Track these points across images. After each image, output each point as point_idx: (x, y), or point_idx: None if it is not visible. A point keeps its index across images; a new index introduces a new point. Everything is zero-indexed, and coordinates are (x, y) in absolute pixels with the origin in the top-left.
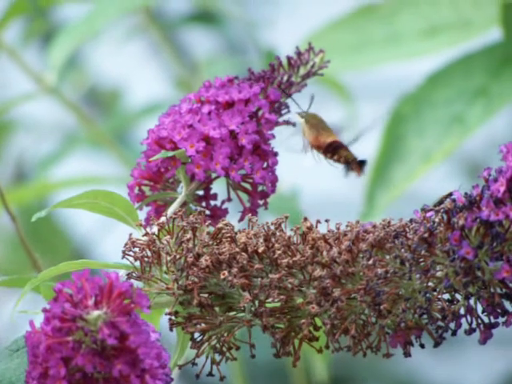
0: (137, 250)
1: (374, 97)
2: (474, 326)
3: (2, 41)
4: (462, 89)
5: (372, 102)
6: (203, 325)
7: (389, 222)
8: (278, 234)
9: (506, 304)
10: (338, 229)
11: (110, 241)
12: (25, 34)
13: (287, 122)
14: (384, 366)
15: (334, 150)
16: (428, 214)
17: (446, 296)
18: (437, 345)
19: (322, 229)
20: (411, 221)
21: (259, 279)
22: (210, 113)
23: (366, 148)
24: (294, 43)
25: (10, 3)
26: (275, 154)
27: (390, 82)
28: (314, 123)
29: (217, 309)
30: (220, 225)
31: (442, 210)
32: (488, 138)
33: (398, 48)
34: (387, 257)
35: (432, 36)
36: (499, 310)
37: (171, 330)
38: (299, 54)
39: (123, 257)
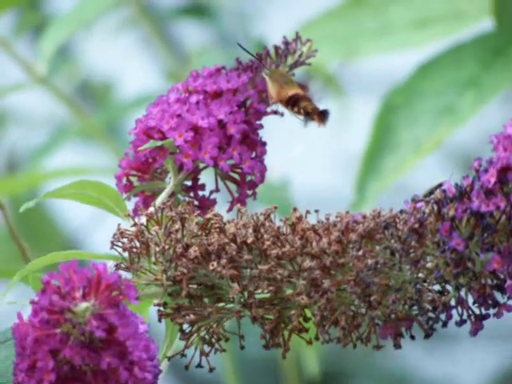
0: (125, 240)
1: (365, 88)
2: (464, 317)
3: None
4: (453, 79)
5: (364, 94)
6: (192, 316)
7: (379, 213)
8: (267, 224)
9: (497, 295)
10: (328, 219)
11: (101, 232)
12: (17, 26)
13: (275, 112)
14: (376, 363)
15: (295, 102)
16: (418, 205)
17: (437, 287)
18: (427, 336)
19: (312, 219)
20: (401, 211)
21: (248, 270)
22: (198, 102)
23: (357, 139)
24: (286, 34)
25: None
26: (264, 144)
27: (382, 74)
28: (277, 77)
29: (206, 300)
30: (209, 215)
31: (432, 201)
32: (480, 129)
33: (390, 39)
34: (377, 247)
35: (424, 27)
36: (490, 302)
37: (160, 321)
38: (286, 43)
39: (111, 247)
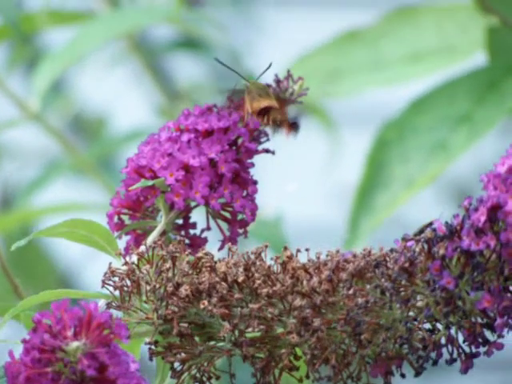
0: (116, 279)
1: (357, 123)
2: (455, 355)
3: None
4: (446, 114)
5: (356, 128)
6: (183, 354)
7: (369, 252)
8: (258, 263)
9: (487, 334)
10: (319, 258)
11: (94, 268)
12: (9, 60)
13: (267, 151)
14: None
15: (266, 113)
16: (408, 244)
17: (427, 326)
18: (417, 374)
19: (303, 258)
20: (392, 250)
21: (239, 309)
22: (189, 141)
23: (349, 174)
24: (277, 69)
25: None
26: (255, 183)
27: (374, 108)
28: (252, 90)
29: (197, 338)
30: (200, 254)
31: (422, 240)
32: (476, 161)
33: (382, 73)
34: (367, 286)
35: (416, 61)
36: (480, 340)
37: (151, 359)
38: (278, 81)
39: (103, 286)
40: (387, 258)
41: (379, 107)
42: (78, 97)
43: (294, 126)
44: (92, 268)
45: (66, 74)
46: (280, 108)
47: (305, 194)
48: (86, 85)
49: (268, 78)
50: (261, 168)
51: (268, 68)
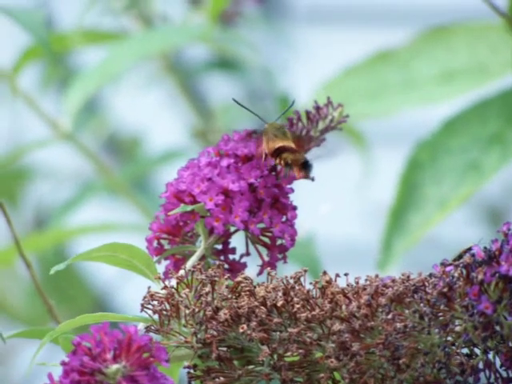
0: (155, 303)
1: (390, 143)
2: (492, 380)
3: (17, 86)
4: (478, 135)
5: (388, 148)
6: (222, 378)
7: (408, 277)
8: (296, 287)
9: None
10: (357, 283)
11: (129, 289)
12: (41, 80)
13: (306, 176)
14: None
15: (278, 154)
16: (447, 269)
17: (465, 350)
18: None
19: (342, 282)
20: (430, 275)
21: (278, 333)
22: (228, 166)
23: (382, 194)
24: (311, 89)
25: (24, 49)
26: (294, 208)
27: (406, 128)
28: (268, 131)
29: (235, 362)
30: (239, 278)
31: (461, 265)
32: (507, 182)
33: (415, 94)
34: (406, 311)
35: (448, 81)
36: None
37: (190, 383)
38: (318, 108)
39: (142, 310)
40: (426, 283)
41: (411, 126)
42: (112, 117)
43: (305, 167)
44: (126, 291)
45: (101, 93)
46: (298, 147)
47: (338, 214)
48: (121, 105)
49: (302, 100)
50: (295, 188)
51: (291, 105)
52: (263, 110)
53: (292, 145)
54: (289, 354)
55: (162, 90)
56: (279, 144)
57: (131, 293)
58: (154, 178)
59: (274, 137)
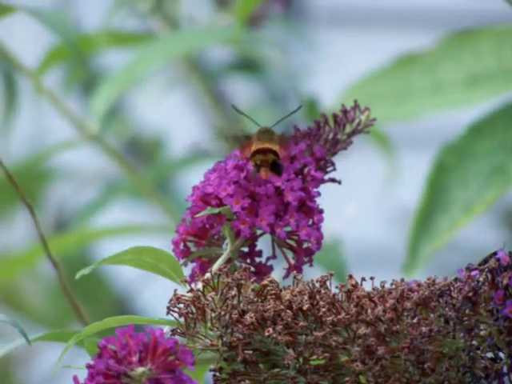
0: (181, 306)
1: (415, 146)
2: None
3: (42, 86)
4: (504, 139)
5: (413, 152)
6: (247, 381)
7: (433, 281)
8: (322, 291)
9: None
10: (383, 287)
11: (152, 290)
12: (66, 81)
13: (333, 180)
14: None
15: (252, 156)
16: (472, 273)
17: (490, 354)
18: None
19: (368, 286)
20: (456, 280)
21: (304, 336)
22: None
23: (408, 197)
24: (336, 92)
25: (49, 49)
26: (321, 212)
27: (431, 131)
28: (255, 135)
29: (261, 365)
30: (265, 282)
31: (486, 269)
32: None
33: (441, 98)
34: (431, 315)
35: (475, 85)
36: None
37: None
38: (345, 111)
39: (168, 313)
40: (451, 288)
41: (436, 129)
42: (135, 119)
43: (274, 168)
44: (148, 291)
45: (124, 95)
46: (285, 149)
47: (364, 217)
48: (144, 107)
49: (326, 102)
50: (321, 191)
51: (298, 109)
52: (286, 112)
53: (272, 147)
54: (314, 357)
55: (185, 91)
56: (258, 147)
57: (154, 295)
58: (177, 179)
59: (258, 140)
